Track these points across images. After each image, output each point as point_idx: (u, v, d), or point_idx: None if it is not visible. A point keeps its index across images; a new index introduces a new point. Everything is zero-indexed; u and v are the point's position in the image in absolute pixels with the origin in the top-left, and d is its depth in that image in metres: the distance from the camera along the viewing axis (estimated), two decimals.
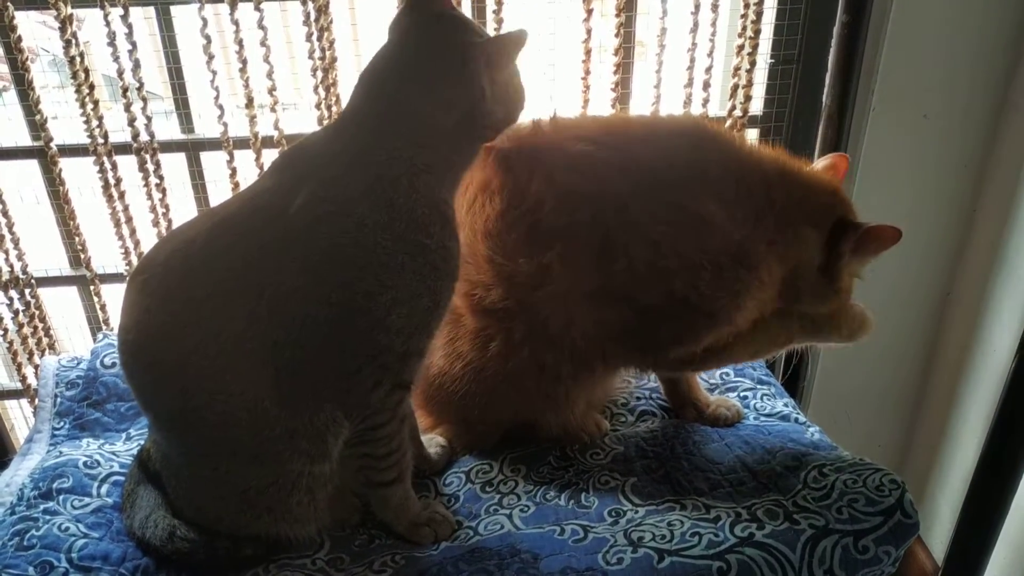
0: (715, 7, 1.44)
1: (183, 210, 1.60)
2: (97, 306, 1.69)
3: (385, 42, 1.01)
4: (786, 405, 1.37)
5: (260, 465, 0.99)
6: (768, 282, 1.13)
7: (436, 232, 0.98)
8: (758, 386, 1.43)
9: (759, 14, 1.45)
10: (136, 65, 1.43)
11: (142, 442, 1.21)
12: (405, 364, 1.01)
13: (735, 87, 1.52)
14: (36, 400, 1.45)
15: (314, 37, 1.43)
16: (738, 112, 1.55)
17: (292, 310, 0.94)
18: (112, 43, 1.40)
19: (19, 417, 1.87)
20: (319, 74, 1.46)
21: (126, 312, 1.00)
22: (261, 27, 1.40)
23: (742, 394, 1.41)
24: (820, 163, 1.23)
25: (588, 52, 1.47)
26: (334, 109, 1.50)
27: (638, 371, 1.33)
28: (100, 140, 1.49)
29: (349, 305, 0.95)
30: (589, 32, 1.45)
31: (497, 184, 1.12)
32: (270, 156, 1.53)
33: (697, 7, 1.45)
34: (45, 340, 1.69)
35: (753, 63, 1.50)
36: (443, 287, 1.01)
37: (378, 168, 0.96)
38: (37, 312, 1.67)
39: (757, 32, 1.47)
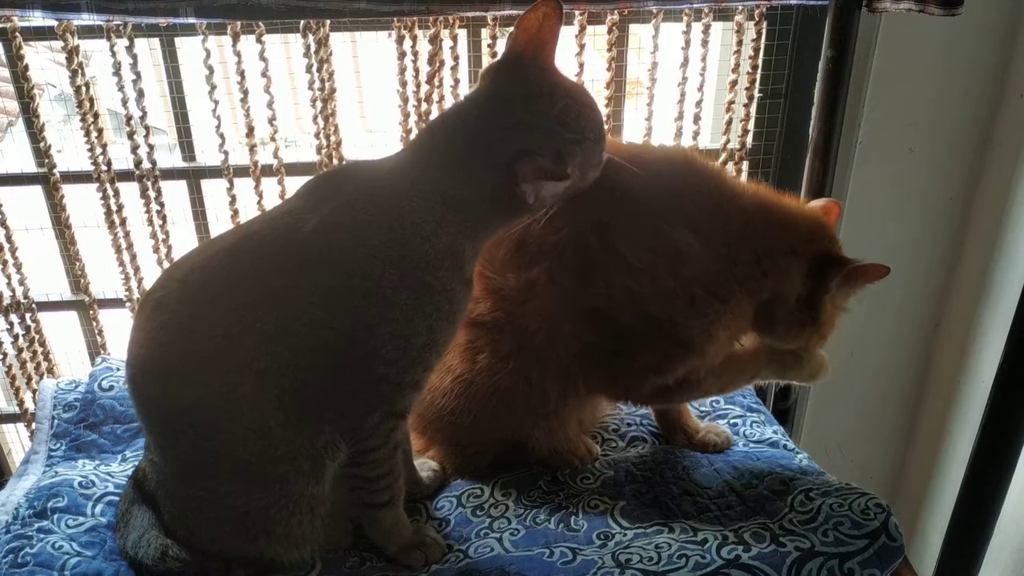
0: (705, 43, 1.48)
1: (183, 237, 1.62)
2: (96, 331, 1.71)
3: (475, 88, 1.02)
4: (775, 432, 1.38)
5: (261, 486, 1.00)
6: (739, 314, 1.15)
7: (444, 275, 0.99)
8: (748, 413, 1.44)
9: (757, 50, 1.49)
10: (140, 94, 1.47)
11: (137, 463, 1.22)
12: (399, 394, 1.02)
13: (729, 121, 1.55)
14: (33, 423, 1.45)
15: (314, 68, 1.46)
16: (734, 145, 1.57)
17: (298, 331, 0.95)
18: (117, 73, 1.44)
19: (16, 441, 1.88)
20: (318, 104, 1.49)
21: (138, 329, 1.00)
22: (262, 59, 1.44)
23: (732, 421, 1.42)
24: (813, 204, 1.23)
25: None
26: (332, 139, 1.53)
27: (612, 400, 1.35)
28: (103, 167, 1.52)
29: (349, 333, 0.96)
30: (581, 67, 1.48)
31: None
32: (269, 184, 1.56)
33: (687, 43, 1.48)
34: (44, 364, 1.71)
35: (751, 97, 1.53)
36: (443, 327, 1.02)
37: (407, 209, 0.97)
38: (37, 336, 1.68)
39: (755, 67, 1.50)
